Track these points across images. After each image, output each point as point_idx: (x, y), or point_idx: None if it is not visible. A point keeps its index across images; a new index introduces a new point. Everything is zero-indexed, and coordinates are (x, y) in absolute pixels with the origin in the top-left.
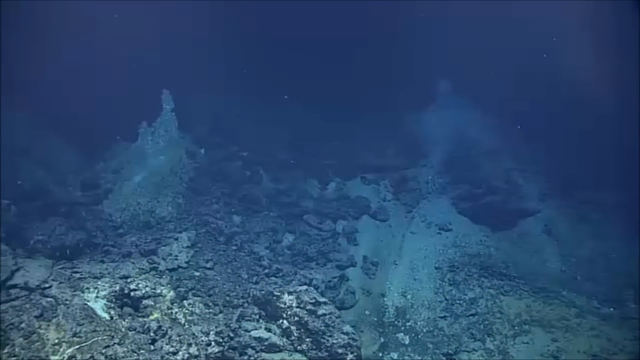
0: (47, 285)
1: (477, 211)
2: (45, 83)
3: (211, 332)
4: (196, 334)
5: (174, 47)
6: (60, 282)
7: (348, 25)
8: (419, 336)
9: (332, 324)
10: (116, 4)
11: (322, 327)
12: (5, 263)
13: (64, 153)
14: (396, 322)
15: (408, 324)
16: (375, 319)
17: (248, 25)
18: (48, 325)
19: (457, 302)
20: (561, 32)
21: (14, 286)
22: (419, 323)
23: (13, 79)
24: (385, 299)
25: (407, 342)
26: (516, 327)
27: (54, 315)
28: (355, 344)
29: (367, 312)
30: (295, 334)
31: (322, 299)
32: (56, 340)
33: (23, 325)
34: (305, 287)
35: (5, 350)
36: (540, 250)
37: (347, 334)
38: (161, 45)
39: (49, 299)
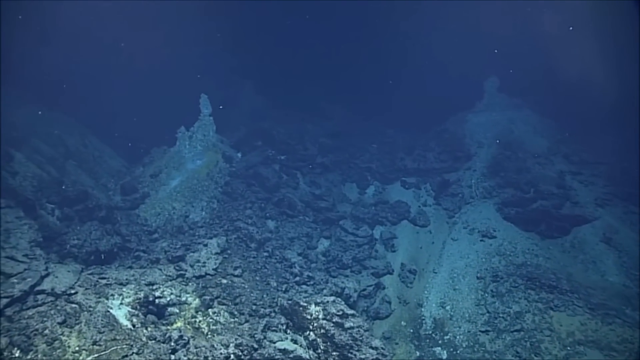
0: (73, 292)
1: (525, 217)
2: (90, 88)
3: (231, 345)
4: (215, 346)
5: (212, 50)
6: (86, 289)
7: (388, 24)
8: (458, 351)
9: (360, 338)
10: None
11: (350, 341)
12: (37, 268)
13: (108, 158)
14: (433, 335)
15: (446, 337)
16: (412, 330)
17: (288, 29)
18: (70, 332)
19: (501, 315)
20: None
21: (42, 292)
22: (458, 337)
23: (58, 84)
24: (422, 309)
25: (444, 357)
26: (568, 348)
27: (77, 322)
28: (384, 359)
29: (403, 323)
30: (321, 347)
31: (350, 311)
32: (77, 348)
33: (47, 331)
34: (332, 298)
35: (29, 357)
36: (597, 262)
37: (376, 348)
38: (200, 50)
39: (73, 305)
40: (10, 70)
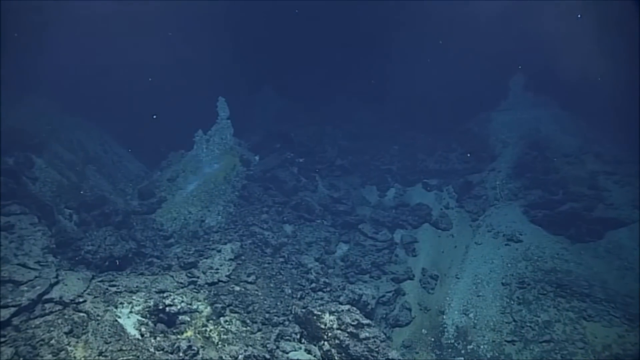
0: (81, 300)
1: (554, 220)
2: (108, 92)
3: (240, 356)
4: (224, 357)
5: (228, 53)
6: (95, 297)
7: (406, 24)
8: None
9: (376, 349)
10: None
11: (365, 352)
12: (47, 276)
13: (127, 162)
14: (456, 344)
15: (469, 346)
16: (433, 339)
17: (306, 31)
18: (77, 342)
19: (528, 324)
20: None
21: (50, 300)
22: (482, 346)
23: (77, 88)
24: (444, 316)
25: None
26: None
27: (84, 331)
28: None
29: (423, 331)
30: (336, 358)
31: (366, 321)
32: (82, 359)
33: (53, 341)
34: (347, 306)
35: None
36: (637, 268)
37: None
38: (216, 53)
39: (81, 314)
40: (28, 76)
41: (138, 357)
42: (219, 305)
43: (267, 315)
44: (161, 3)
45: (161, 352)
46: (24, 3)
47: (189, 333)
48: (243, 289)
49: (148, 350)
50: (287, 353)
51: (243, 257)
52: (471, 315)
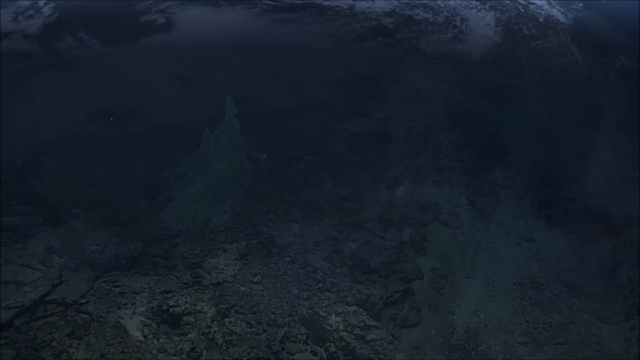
0: (84, 301)
1: (567, 218)
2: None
3: (244, 358)
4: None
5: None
6: (98, 298)
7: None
8: None
9: (383, 351)
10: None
11: (372, 355)
12: (50, 276)
13: (134, 161)
14: (466, 345)
15: (480, 348)
16: (442, 340)
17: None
18: (79, 344)
19: (541, 326)
20: None
21: (52, 301)
22: (493, 348)
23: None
24: (454, 317)
25: None
26: None
27: (86, 333)
28: None
29: (433, 332)
30: None
31: (372, 322)
32: None
33: (54, 343)
34: (354, 307)
35: None
36: None
37: None
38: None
39: (83, 315)
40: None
41: (140, 359)
42: (224, 306)
43: (272, 316)
44: None
45: (164, 354)
46: None
47: (193, 334)
48: (248, 290)
49: (151, 352)
50: (293, 355)
51: (249, 257)
52: (482, 315)
